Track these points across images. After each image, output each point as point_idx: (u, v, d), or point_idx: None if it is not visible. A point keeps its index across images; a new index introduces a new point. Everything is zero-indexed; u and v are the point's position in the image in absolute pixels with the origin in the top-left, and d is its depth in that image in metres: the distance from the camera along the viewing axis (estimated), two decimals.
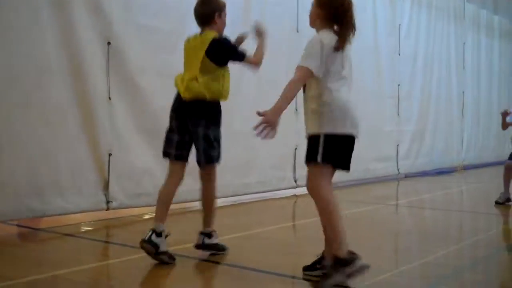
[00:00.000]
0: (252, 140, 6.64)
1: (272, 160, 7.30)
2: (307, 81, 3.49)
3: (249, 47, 4.18)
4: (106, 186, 5.50)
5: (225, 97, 4.08)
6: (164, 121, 5.43)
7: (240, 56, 4.05)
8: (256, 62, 4.13)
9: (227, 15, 4.19)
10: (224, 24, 4.15)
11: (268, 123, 3.31)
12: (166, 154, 4.14)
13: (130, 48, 5.70)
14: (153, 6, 5.97)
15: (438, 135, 11.50)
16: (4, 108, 4.74)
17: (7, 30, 4.76)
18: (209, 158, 4.03)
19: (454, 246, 4.77)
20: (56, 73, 5.11)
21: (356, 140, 3.59)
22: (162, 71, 5.69)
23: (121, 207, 5.62)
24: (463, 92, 12.46)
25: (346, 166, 3.58)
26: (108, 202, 5.50)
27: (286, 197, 7.32)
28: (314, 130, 3.53)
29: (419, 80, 10.89)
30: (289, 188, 7.54)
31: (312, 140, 3.53)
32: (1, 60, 4.72)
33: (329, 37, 3.53)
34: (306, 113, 3.60)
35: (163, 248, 3.85)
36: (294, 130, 7.16)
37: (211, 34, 4.01)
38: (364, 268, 3.32)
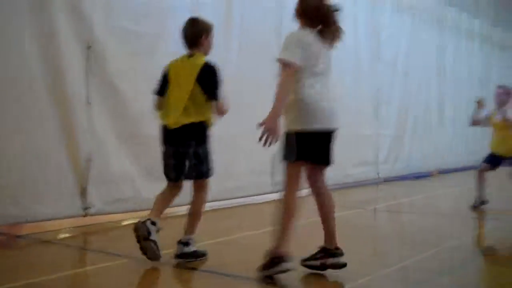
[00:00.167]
0: (231, 145, 6.76)
1: (251, 165, 7.30)
2: (294, 75, 3.51)
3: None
4: (84, 192, 5.44)
5: (211, 120, 4.15)
6: (144, 125, 5.44)
7: (217, 94, 4.06)
8: (223, 111, 4.14)
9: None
10: (211, 46, 4.19)
11: (269, 130, 3.40)
12: (167, 176, 4.21)
13: (111, 51, 5.67)
14: (134, 10, 5.95)
15: (417, 139, 11.60)
16: None
17: None
18: (199, 173, 4.15)
19: (431, 250, 4.82)
20: (34, 76, 5.07)
21: (335, 133, 3.66)
22: (143, 75, 5.67)
23: (100, 213, 5.57)
24: (441, 97, 12.59)
25: (325, 161, 3.67)
26: (86, 208, 5.44)
27: (266, 202, 7.32)
28: (288, 127, 3.61)
29: (399, 85, 10.99)
30: (268, 193, 7.53)
31: (287, 138, 3.62)
32: None
33: (305, 33, 3.64)
34: (284, 110, 3.61)
35: (153, 237, 3.89)
36: None
37: (201, 59, 4.06)
38: (288, 271, 3.52)
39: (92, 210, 5.48)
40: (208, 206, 6.46)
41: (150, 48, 5.93)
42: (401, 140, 11.05)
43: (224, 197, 6.86)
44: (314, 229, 4.05)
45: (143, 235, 3.85)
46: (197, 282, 3.91)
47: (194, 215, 4.20)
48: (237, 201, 7.08)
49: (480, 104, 7.09)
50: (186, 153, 4.08)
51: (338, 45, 3.83)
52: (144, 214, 4.06)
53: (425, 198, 8.78)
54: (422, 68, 11.83)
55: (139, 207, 5.62)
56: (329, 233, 3.83)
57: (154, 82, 4.24)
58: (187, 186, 4.25)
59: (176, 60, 4.17)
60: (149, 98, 4.28)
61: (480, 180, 7.08)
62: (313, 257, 3.86)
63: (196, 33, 4.10)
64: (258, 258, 3.62)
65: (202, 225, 4.28)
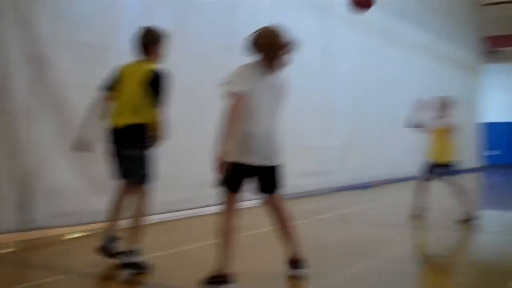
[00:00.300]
0: (178, 157, 6.76)
1: (199, 177, 7.31)
2: (241, 105, 3.67)
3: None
4: (26, 205, 5.34)
5: (154, 125, 4.21)
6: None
7: (161, 100, 4.16)
8: (161, 124, 4.19)
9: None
10: (163, 54, 4.35)
11: (218, 165, 3.61)
12: (114, 175, 4.36)
13: (57, 62, 5.62)
14: (83, 21, 5.92)
15: (362, 150, 11.84)
16: None
17: None
18: (133, 177, 4.22)
19: (371, 260, 4.95)
20: None
21: (264, 168, 3.87)
22: (90, 86, 5.60)
23: (43, 227, 5.46)
24: (385, 109, 12.87)
25: (238, 190, 3.87)
26: (28, 222, 5.33)
27: (213, 214, 7.32)
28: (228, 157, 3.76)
29: (349, 97, 11.21)
30: (216, 205, 7.53)
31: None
32: None
33: (249, 66, 3.82)
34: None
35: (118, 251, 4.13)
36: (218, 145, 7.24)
37: (150, 65, 4.20)
38: None
39: (35, 224, 5.37)
40: (155, 218, 6.50)
41: (98, 59, 5.90)
42: (348, 151, 11.26)
43: (172, 209, 6.85)
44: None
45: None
46: None
47: (134, 222, 4.23)
48: (185, 213, 7.07)
49: (419, 105, 7.38)
50: (123, 154, 4.19)
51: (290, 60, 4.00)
52: (90, 228, 4.06)
53: (368, 208, 8.99)
54: (371, 80, 12.10)
55: (85, 220, 5.56)
56: (290, 245, 4.08)
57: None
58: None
59: (128, 64, 4.34)
60: None
61: (420, 190, 7.32)
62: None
63: (148, 41, 4.28)
64: (204, 271, 3.66)
65: (148, 238, 4.29)
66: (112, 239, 4.27)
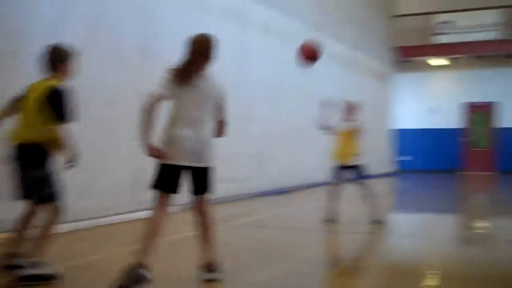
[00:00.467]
0: (93, 163, 6.65)
1: (113, 185, 7.23)
2: (154, 102, 3.96)
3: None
4: None
5: (54, 143, 4.14)
6: None
7: (63, 116, 4.07)
8: (64, 140, 4.11)
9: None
10: (69, 73, 4.28)
11: (149, 154, 3.99)
12: (16, 195, 4.24)
13: None
14: None
15: (279, 156, 12.05)
16: None
17: None
18: (38, 197, 4.14)
19: (285, 263, 5.07)
20: None
21: (190, 168, 4.08)
22: None
23: None
24: (302, 115, 13.15)
25: (173, 190, 4.07)
26: None
27: (128, 222, 7.24)
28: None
29: (264, 104, 11.39)
30: (131, 212, 7.46)
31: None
32: None
33: (174, 70, 4.04)
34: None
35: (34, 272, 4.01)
36: (135, 151, 7.18)
37: (52, 82, 4.13)
38: (144, 278, 3.83)
39: None
40: (67, 227, 6.34)
41: (7, 65, 5.71)
42: (264, 157, 11.43)
43: (84, 217, 6.70)
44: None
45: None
46: None
47: (40, 237, 4.15)
48: (98, 221, 6.93)
49: (324, 106, 7.64)
50: (22, 174, 4.12)
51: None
52: None
53: (284, 213, 9.17)
54: (285, 88, 12.34)
55: None
56: (208, 249, 4.21)
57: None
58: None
59: (36, 81, 4.27)
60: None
61: (332, 194, 7.55)
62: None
63: (55, 59, 4.23)
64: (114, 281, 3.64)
65: (59, 247, 4.21)
66: (13, 254, 4.12)
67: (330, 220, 7.45)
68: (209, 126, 4.16)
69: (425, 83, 21.02)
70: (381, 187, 13.02)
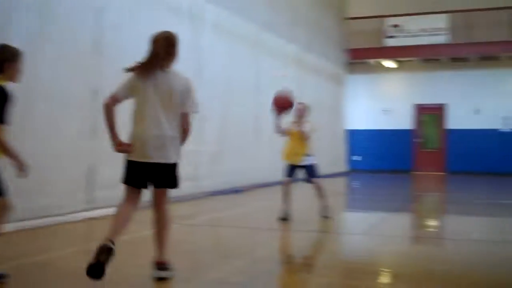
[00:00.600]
0: (44, 161, 6.51)
1: (65, 183, 7.10)
2: (112, 103, 4.05)
3: None
4: None
5: None
6: None
7: (1, 119, 3.96)
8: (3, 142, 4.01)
9: None
10: (15, 74, 4.14)
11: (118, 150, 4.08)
12: None
13: None
14: None
15: (235, 155, 12.07)
16: None
17: None
18: None
19: (238, 262, 5.09)
20: None
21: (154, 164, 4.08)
22: None
23: None
24: (258, 114, 13.22)
25: (140, 185, 4.13)
26: None
27: (81, 221, 7.13)
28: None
29: (218, 103, 11.38)
30: (84, 211, 7.35)
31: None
32: None
33: (134, 68, 4.08)
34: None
35: None
36: (89, 149, 7.08)
37: None
38: (111, 250, 3.87)
39: None
40: (17, 226, 6.20)
41: None
42: (218, 156, 11.43)
43: (35, 216, 6.55)
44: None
45: None
46: None
47: None
48: (50, 219, 6.78)
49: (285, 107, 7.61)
50: None
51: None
52: None
53: (238, 212, 9.20)
54: (241, 86, 12.38)
55: None
56: (161, 247, 4.21)
57: None
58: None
59: None
60: None
61: (285, 193, 7.64)
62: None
63: (4, 59, 4.09)
64: (70, 283, 3.58)
65: (8, 247, 4.11)
66: None
67: (284, 219, 7.52)
68: (175, 121, 4.13)
69: (378, 85, 21.40)
70: (334, 186, 13.23)
